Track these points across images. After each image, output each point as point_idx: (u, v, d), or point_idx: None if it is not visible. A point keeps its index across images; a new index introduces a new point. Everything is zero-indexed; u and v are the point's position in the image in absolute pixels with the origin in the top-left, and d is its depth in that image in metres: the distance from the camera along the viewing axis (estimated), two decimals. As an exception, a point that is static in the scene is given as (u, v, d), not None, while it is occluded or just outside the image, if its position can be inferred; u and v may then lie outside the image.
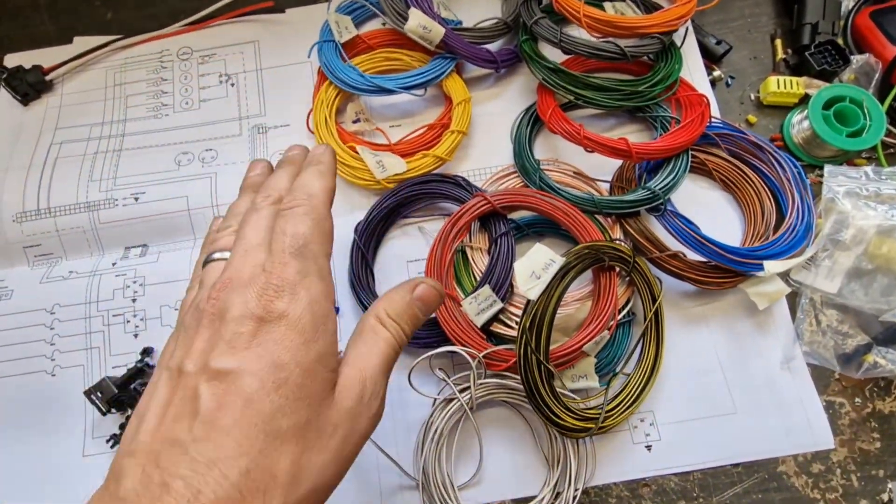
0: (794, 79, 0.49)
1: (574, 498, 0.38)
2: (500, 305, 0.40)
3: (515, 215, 0.46)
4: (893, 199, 0.42)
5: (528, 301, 0.37)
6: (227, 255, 0.29)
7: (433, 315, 0.41)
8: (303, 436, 0.24)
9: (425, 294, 0.31)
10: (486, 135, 0.50)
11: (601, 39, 0.46)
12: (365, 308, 0.43)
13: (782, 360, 0.42)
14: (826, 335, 0.42)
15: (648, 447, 0.41)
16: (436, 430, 0.39)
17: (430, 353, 0.39)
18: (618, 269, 0.41)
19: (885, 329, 0.41)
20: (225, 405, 0.23)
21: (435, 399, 0.41)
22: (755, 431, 0.41)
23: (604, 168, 0.47)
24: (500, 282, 0.41)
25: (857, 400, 0.42)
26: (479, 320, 0.40)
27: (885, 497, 0.39)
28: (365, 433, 0.27)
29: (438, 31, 0.46)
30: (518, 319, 0.40)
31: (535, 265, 0.37)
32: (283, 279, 0.26)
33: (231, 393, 0.23)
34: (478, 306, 0.40)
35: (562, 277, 0.36)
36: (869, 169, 0.43)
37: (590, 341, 0.38)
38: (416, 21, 0.46)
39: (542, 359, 0.35)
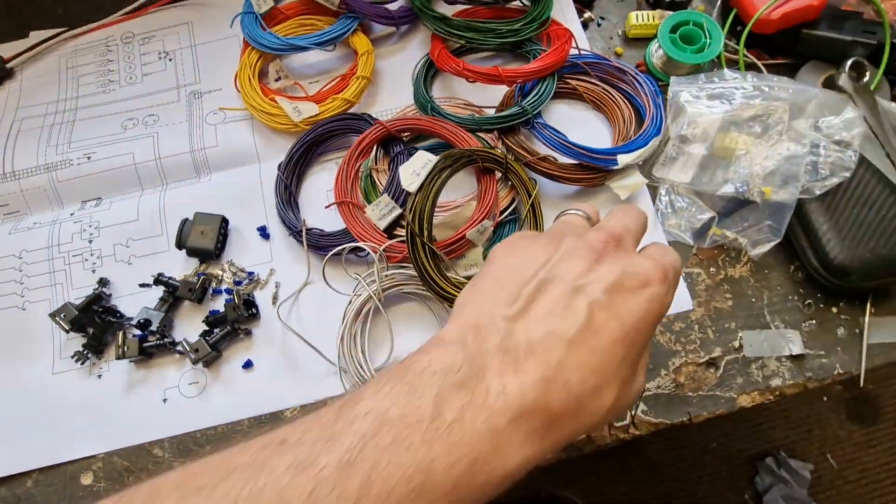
0: (650, 12, 0.57)
1: None
2: (398, 210, 0.47)
3: (419, 145, 0.53)
4: (725, 95, 0.49)
5: (411, 195, 0.44)
6: (580, 212, 0.34)
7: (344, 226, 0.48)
8: (622, 388, 0.26)
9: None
10: (391, 83, 0.57)
11: (478, -11, 0.54)
12: (290, 228, 0.50)
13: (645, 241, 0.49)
14: (680, 216, 0.49)
15: (536, 322, 0.48)
16: (350, 319, 0.46)
17: (337, 250, 0.46)
18: (497, 173, 0.48)
19: (725, 203, 0.48)
20: (602, 331, 0.26)
21: (351, 297, 0.47)
22: (626, 302, 0.48)
23: (495, 101, 0.55)
24: (398, 191, 0.48)
25: (711, 269, 0.49)
26: (382, 224, 0.47)
27: (737, 343, 0.46)
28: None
29: (337, -7, 0.54)
30: (415, 222, 0.48)
31: (416, 166, 0.44)
32: (667, 271, 0.28)
33: (610, 324, 0.26)
34: (380, 212, 0.47)
35: (439, 173, 0.44)
36: (703, 75, 0.51)
37: (472, 229, 0.45)
38: (316, -16, 0.53)
39: (426, 241, 0.42)
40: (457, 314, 0.29)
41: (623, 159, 0.47)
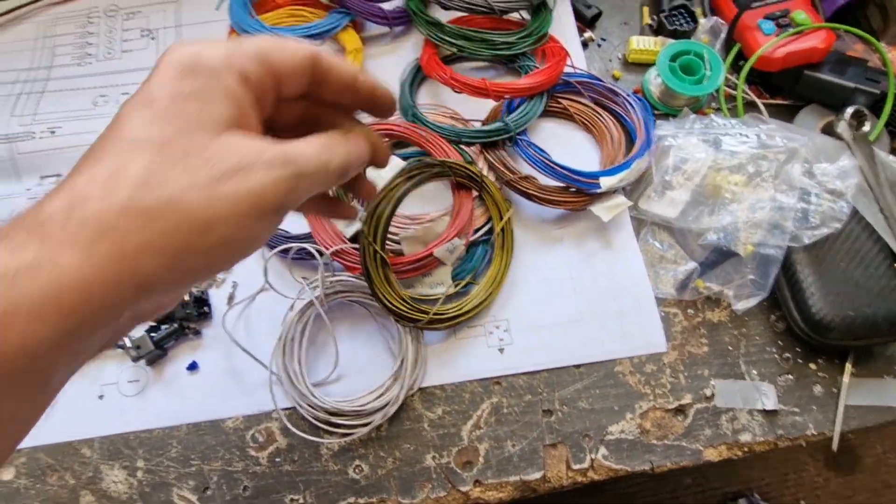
0: (653, 38, 0.55)
1: (410, 386, 0.42)
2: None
3: (400, 151, 0.51)
4: (715, 141, 0.47)
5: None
6: None
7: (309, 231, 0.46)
8: (161, 150, 0.21)
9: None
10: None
11: (475, -4, 0.52)
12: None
13: (626, 279, 0.47)
14: (665, 265, 0.47)
15: (501, 350, 0.45)
16: (289, 325, 0.43)
17: (279, 249, 0.44)
18: (473, 191, 0.46)
19: (707, 253, 0.46)
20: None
21: (293, 300, 0.45)
22: (598, 336, 0.45)
23: (482, 114, 0.53)
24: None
25: (689, 311, 0.47)
26: (348, 231, 0.44)
27: (708, 392, 0.44)
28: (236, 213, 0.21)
29: (330, -14, 0.52)
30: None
31: (384, 172, 0.42)
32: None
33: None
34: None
35: (406, 180, 0.41)
36: (692, 117, 0.49)
37: (440, 245, 0.43)
38: (309, -24, 0.51)
39: (376, 246, 0.40)
40: None
41: (606, 182, 0.45)
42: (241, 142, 0.22)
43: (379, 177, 0.41)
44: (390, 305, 0.41)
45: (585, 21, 0.58)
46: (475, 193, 0.46)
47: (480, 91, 0.48)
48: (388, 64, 0.56)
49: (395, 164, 0.42)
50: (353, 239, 0.45)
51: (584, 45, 0.57)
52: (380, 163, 0.28)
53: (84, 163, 0.21)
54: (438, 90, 0.55)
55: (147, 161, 0.21)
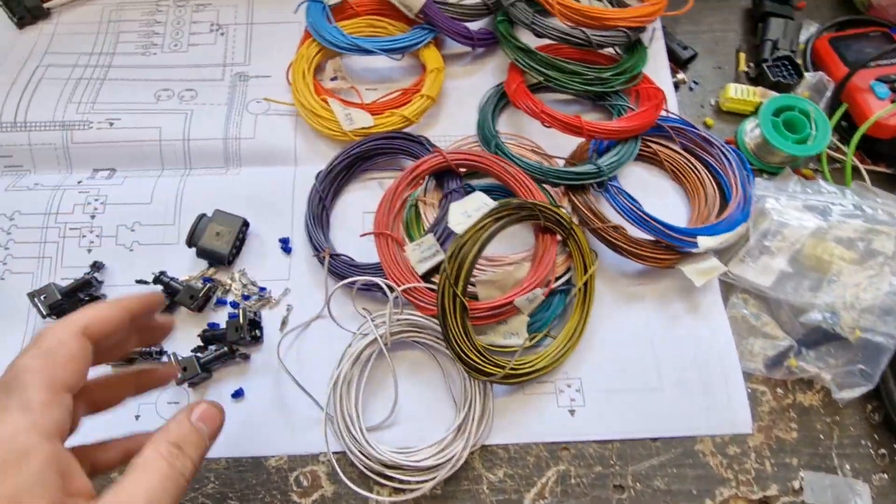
0: (751, 87, 0.52)
1: (473, 443, 0.39)
2: (442, 256, 0.41)
3: (474, 182, 0.48)
4: (819, 208, 0.44)
5: (455, 237, 0.38)
6: None
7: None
8: None
9: (205, 413, 0.29)
10: (455, 106, 0.52)
11: (571, 27, 0.48)
12: (316, 248, 0.44)
13: (711, 348, 0.43)
14: (755, 338, 0.43)
15: (572, 412, 0.41)
16: (348, 362, 0.40)
17: (347, 281, 0.40)
18: (558, 236, 0.42)
19: (807, 331, 0.42)
20: None
21: (354, 333, 0.41)
22: (677, 409, 0.42)
23: (564, 150, 0.50)
24: (446, 234, 0.42)
25: (778, 390, 0.43)
26: (421, 268, 0.41)
27: (797, 485, 0.40)
28: None
29: (419, 1, 0.49)
30: (459, 272, 0.42)
31: (469, 207, 0.39)
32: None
33: None
34: (420, 254, 0.41)
35: (494, 220, 0.38)
36: (794, 180, 0.46)
37: (521, 296, 0.39)
38: (400, -13, 0.48)
39: (457, 290, 0.36)
40: None
41: (704, 242, 0.42)
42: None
43: (466, 216, 0.38)
44: (464, 356, 0.37)
45: (679, 62, 0.54)
46: (559, 238, 0.42)
47: (573, 129, 0.44)
48: (465, 86, 0.53)
49: (482, 201, 0.39)
50: (425, 275, 0.42)
51: (675, 86, 0.54)
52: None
53: None
54: (518, 118, 0.52)
55: None
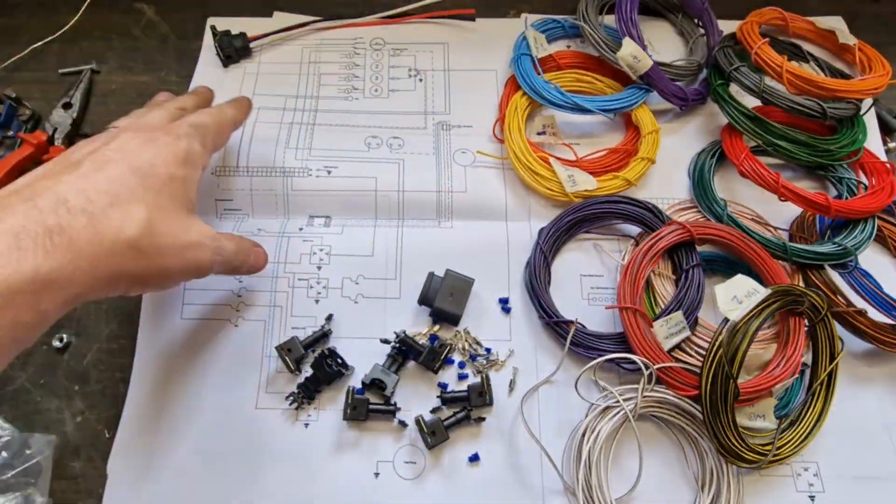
0: (971, 162, 0.51)
1: None
2: (687, 333, 0.41)
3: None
4: None
5: (726, 321, 0.38)
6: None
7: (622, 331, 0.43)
8: (155, 212, 0.33)
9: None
10: (661, 167, 0.51)
11: (798, 96, 0.48)
12: (545, 311, 0.44)
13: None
14: None
15: (812, 497, 0.41)
16: (602, 438, 0.40)
17: (608, 357, 0.40)
18: (805, 318, 0.42)
19: None
20: (106, 167, 0.33)
21: (591, 405, 0.42)
22: (919, 499, 0.41)
23: (773, 217, 0.49)
24: (690, 310, 0.42)
25: None
26: (668, 343, 0.41)
27: None
28: (176, 274, 0.35)
29: (646, 63, 0.48)
30: (701, 349, 0.42)
31: (738, 291, 0.38)
32: (174, 127, 0.37)
33: (113, 162, 0.33)
34: (668, 330, 0.41)
35: (765, 308, 0.38)
36: None
37: (780, 383, 0.39)
38: (629, 50, 0.48)
39: (734, 378, 0.36)
40: None
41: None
42: (199, 225, 0.36)
43: (736, 302, 0.38)
44: (727, 442, 0.37)
45: (889, 130, 0.53)
46: (806, 322, 0.42)
47: (819, 208, 0.44)
48: (670, 145, 0.52)
49: (751, 286, 0.38)
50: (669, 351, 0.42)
51: (886, 153, 0.53)
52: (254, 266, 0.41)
53: (90, 178, 0.32)
54: (729, 183, 0.51)
55: (146, 216, 0.32)
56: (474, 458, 0.42)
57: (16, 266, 0.27)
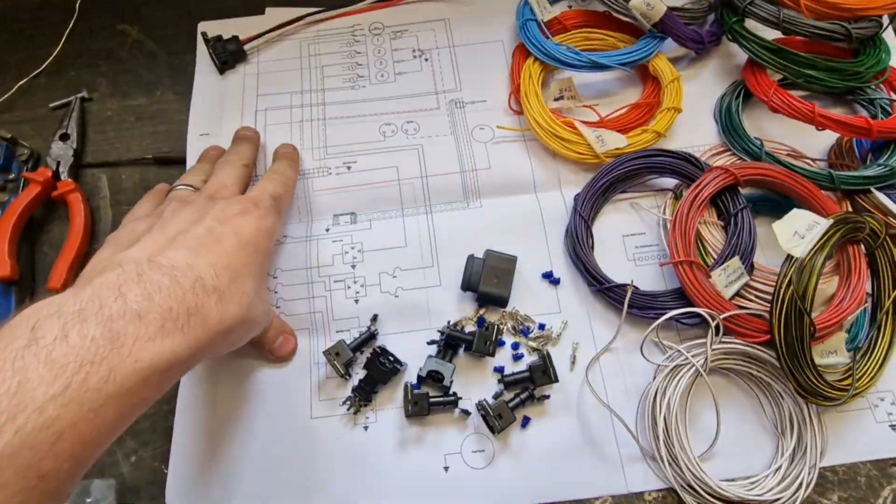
0: None
1: (814, 471, 0.38)
2: (746, 278, 0.40)
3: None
4: None
5: (789, 258, 0.37)
6: (187, 186, 0.41)
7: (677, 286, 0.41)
8: (258, 283, 0.35)
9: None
10: (683, 115, 0.50)
11: (821, 21, 0.46)
12: (596, 283, 0.43)
13: None
14: None
15: (893, 426, 0.40)
16: (677, 398, 0.38)
17: (672, 315, 0.39)
18: (863, 245, 0.41)
19: None
20: (224, 240, 0.34)
21: (658, 366, 0.40)
22: None
23: (806, 150, 0.47)
24: (745, 255, 0.40)
25: None
26: (728, 292, 0.40)
27: None
28: (240, 336, 0.35)
29: (660, 9, 0.46)
30: (762, 293, 0.40)
31: (797, 226, 0.37)
32: (260, 199, 0.39)
33: (229, 236, 0.34)
34: (727, 278, 0.40)
35: (829, 239, 0.36)
36: None
37: (849, 314, 0.38)
38: (641, -2, 0.46)
39: (808, 314, 0.35)
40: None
41: None
42: (266, 296, 0.39)
43: (798, 235, 0.36)
44: (807, 382, 0.36)
45: (910, 46, 0.52)
46: (864, 250, 0.40)
47: (860, 131, 0.42)
48: (691, 91, 0.50)
49: (811, 219, 0.37)
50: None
51: (910, 72, 0.51)
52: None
53: (213, 252, 0.33)
54: (758, 121, 0.49)
55: (251, 290, 0.34)
56: (525, 423, 0.40)
57: (158, 349, 0.27)
